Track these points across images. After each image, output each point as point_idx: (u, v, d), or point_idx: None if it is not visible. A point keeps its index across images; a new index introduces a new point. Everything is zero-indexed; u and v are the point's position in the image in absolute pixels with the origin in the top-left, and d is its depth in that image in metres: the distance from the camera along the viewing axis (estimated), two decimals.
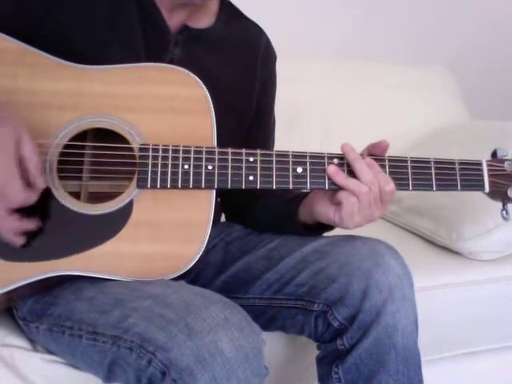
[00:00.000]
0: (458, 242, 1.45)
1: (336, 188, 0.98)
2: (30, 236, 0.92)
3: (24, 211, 0.88)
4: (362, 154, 1.00)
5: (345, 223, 0.99)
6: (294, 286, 1.04)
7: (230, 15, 1.16)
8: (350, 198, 0.95)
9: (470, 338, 1.44)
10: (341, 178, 0.97)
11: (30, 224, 0.90)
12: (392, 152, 1.01)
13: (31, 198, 0.88)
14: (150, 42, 1.05)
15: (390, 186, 0.97)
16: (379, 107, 1.99)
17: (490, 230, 1.41)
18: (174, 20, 1.07)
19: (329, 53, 2.12)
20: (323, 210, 1.02)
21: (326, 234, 1.11)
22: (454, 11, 2.43)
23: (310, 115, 1.91)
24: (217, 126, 0.97)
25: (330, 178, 0.97)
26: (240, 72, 1.16)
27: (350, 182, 0.96)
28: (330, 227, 1.09)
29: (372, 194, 0.96)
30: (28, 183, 0.87)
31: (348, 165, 0.98)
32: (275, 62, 1.26)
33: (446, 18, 2.43)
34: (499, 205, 1.04)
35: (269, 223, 1.16)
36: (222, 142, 0.97)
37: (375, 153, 1.00)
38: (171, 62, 1.05)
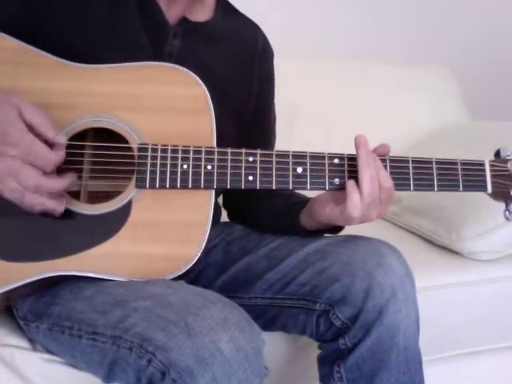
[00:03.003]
0: (457, 242, 1.45)
1: (337, 187, 0.97)
2: (31, 235, 0.92)
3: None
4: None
5: (343, 217, 0.98)
6: (295, 285, 1.04)
7: (227, 12, 1.17)
8: (356, 194, 0.95)
9: (470, 337, 1.44)
10: (366, 151, 0.96)
11: (68, 179, 0.90)
12: (393, 152, 1.01)
13: (59, 155, 0.88)
14: (149, 35, 1.05)
15: (389, 183, 0.96)
16: (380, 107, 1.99)
17: (490, 230, 1.41)
18: (172, 13, 1.07)
19: (329, 53, 2.12)
20: (321, 206, 1.02)
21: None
22: (455, 11, 2.43)
23: (311, 115, 1.91)
24: (216, 121, 0.97)
25: (356, 147, 0.96)
26: (238, 67, 1.16)
27: (364, 171, 0.95)
28: (331, 231, 1.09)
29: (372, 194, 0.95)
30: (48, 144, 0.87)
31: (349, 159, 0.98)
32: (273, 58, 1.26)
33: (446, 19, 2.43)
34: (500, 205, 1.04)
35: (271, 226, 1.16)
36: (221, 138, 0.97)
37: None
38: (171, 54, 1.06)
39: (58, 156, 0.87)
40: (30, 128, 0.86)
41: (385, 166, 0.98)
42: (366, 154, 0.96)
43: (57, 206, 0.89)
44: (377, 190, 0.95)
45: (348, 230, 1.09)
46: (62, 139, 0.88)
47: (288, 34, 1.90)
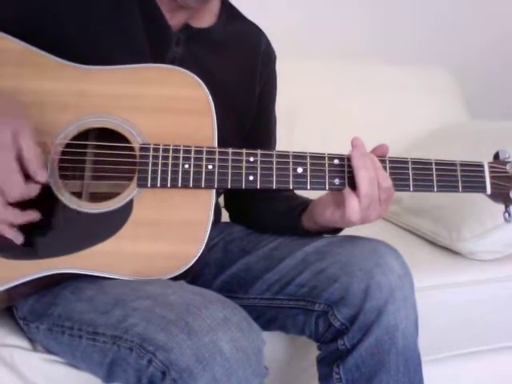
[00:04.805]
0: (458, 242, 1.45)
1: (337, 188, 0.97)
2: (32, 234, 0.92)
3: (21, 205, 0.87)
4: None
5: (343, 220, 0.99)
6: (294, 286, 1.04)
7: (230, 16, 1.17)
8: (354, 198, 0.95)
9: (469, 338, 1.43)
10: (360, 152, 0.96)
11: (26, 216, 0.89)
12: (392, 152, 1.01)
13: (31, 191, 0.87)
14: (152, 41, 1.05)
15: (388, 183, 0.96)
16: (379, 108, 1.99)
17: (491, 230, 1.41)
18: (175, 20, 1.07)
19: (329, 53, 2.12)
20: (321, 209, 1.03)
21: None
22: (455, 11, 2.43)
23: (310, 116, 1.90)
24: (217, 125, 0.97)
25: (352, 146, 0.97)
26: (241, 72, 1.16)
27: (361, 173, 0.95)
28: (332, 232, 1.10)
29: (371, 195, 0.95)
30: (28, 176, 0.86)
31: (348, 161, 0.97)
32: (275, 62, 1.26)
33: (446, 19, 2.43)
34: (500, 205, 1.04)
35: (273, 227, 1.16)
36: (222, 142, 0.97)
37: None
38: (173, 60, 1.06)
39: (28, 191, 0.86)
40: (19, 153, 0.85)
41: (384, 167, 0.98)
42: (361, 156, 0.96)
43: (14, 238, 0.89)
44: (376, 191, 0.95)
45: (348, 230, 1.09)
46: (42, 177, 0.87)
47: (288, 34, 1.89)
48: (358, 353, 0.98)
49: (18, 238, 0.90)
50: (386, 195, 0.97)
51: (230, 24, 1.15)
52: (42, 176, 0.87)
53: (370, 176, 0.95)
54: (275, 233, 1.15)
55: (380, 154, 0.99)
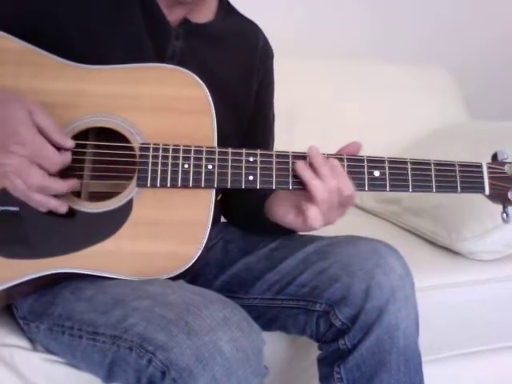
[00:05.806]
0: (458, 242, 1.45)
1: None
2: (31, 233, 0.92)
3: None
4: (329, 155, 0.97)
5: (305, 228, 0.98)
6: (295, 286, 1.05)
7: (228, 13, 1.17)
8: (314, 208, 0.93)
9: (469, 338, 1.44)
10: (307, 175, 0.94)
11: (69, 183, 0.91)
12: (392, 152, 1.01)
13: (67, 158, 0.90)
14: (151, 37, 1.05)
15: (349, 191, 0.94)
16: (379, 108, 1.99)
17: (491, 230, 1.41)
18: (174, 15, 1.08)
19: (329, 53, 2.12)
20: (282, 213, 1.02)
21: (327, 235, 1.11)
22: (455, 11, 2.43)
23: (310, 116, 1.90)
24: (217, 122, 0.97)
25: (296, 172, 0.95)
26: (239, 69, 1.17)
27: (313, 183, 0.93)
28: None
29: (328, 201, 0.93)
30: (55, 147, 0.88)
31: (348, 160, 0.97)
32: (272, 59, 1.26)
33: (446, 19, 2.43)
34: (499, 206, 1.04)
35: (246, 220, 1.17)
36: (222, 140, 0.97)
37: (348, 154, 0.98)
38: (173, 55, 1.06)
39: (64, 159, 0.89)
40: (39, 130, 0.87)
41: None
42: (305, 166, 0.94)
43: (59, 206, 0.91)
44: (334, 197, 0.93)
45: (348, 230, 1.09)
46: (70, 143, 0.90)
47: (288, 34, 1.90)
48: (359, 352, 0.98)
49: (62, 207, 0.91)
50: (346, 201, 0.95)
51: (228, 21, 1.16)
52: (69, 143, 0.90)
53: (328, 185, 0.92)
54: (246, 226, 1.16)
55: (351, 152, 0.98)
